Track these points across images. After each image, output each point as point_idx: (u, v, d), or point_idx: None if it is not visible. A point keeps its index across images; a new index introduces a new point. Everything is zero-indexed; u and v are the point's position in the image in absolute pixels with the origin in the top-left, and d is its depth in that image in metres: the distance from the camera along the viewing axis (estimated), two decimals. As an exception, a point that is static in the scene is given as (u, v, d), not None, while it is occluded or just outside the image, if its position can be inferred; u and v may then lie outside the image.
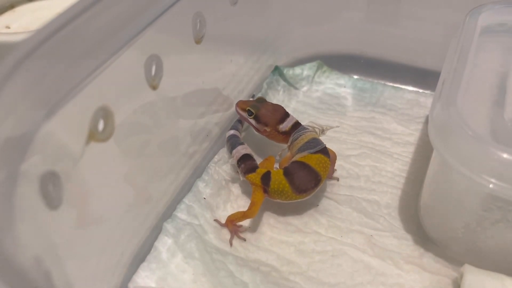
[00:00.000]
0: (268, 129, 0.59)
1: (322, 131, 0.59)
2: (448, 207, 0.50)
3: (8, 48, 0.34)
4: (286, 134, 0.59)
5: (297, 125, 0.59)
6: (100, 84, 0.39)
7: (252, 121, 0.60)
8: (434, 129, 0.46)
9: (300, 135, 0.58)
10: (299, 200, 0.55)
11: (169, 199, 0.55)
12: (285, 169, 0.55)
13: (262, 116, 0.59)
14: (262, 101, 0.61)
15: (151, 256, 0.50)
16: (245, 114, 0.60)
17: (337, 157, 0.60)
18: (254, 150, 0.61)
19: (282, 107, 0.61)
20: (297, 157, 0.56)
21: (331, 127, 0.61)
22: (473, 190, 0.46)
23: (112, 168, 0.45)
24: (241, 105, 0.61)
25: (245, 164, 0.57)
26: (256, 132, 0.62)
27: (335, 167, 0.61)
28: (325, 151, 0.56)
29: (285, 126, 0.59)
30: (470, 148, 0.42)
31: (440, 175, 0.50)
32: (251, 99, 0.68)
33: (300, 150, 0.56)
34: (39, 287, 0.28)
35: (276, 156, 0.60)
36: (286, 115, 0.60)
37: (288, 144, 0.59)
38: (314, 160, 0.54)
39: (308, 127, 0.59)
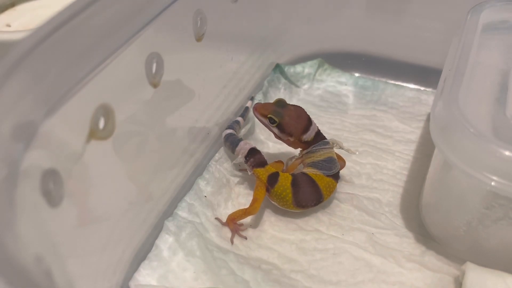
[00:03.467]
0: (292, 139, 0.56)
1: (340, 148, 0.58)
2: (450, 205, 0.50)
3: (8, 46, 0.34)
4: (307, 143, 0.56)
5: (319, 134, 0.57)
6: (100, 82, 0.39)
7: (275, 130, 0.56)
8: (435, 126, 0.46)
9: (319, 151, 0.56)
10: (293, 211, 0.55)
11: (170, 197, 0.55)
12: (294, 178, 0.54)
13: (286, 126, 0.55)
14: (283, 104, 0.56)
15: (152, 254, 0.50)
16: (266, 121, 0.55)
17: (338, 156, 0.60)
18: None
19: (304, 110, 0.57)
20: (310, 171, 0.55)
21: (352, 151, 0.59)
22: (474, 187, 0.46)
23: (112, 166, 0.45)
24: (261, 110, 0.55)
25: (254, 158, 0.56)
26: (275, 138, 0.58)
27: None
28: (336, 175, 0.56)
29: (309, 136, 0.56)
30: (472, 145, 0.42)
31: (442, 173, 0.50)
32: (249, 101, 0.68)
33: (315, 166, 0.55)
34: (40, 285, 0.28)
35: (288, 158, 0.59)
36: (309, 122, 0.56)
37: (304, 152, 0.57)
38: (324, 182, 0.54)
39: (328, 142, 0.57)
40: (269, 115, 0.55)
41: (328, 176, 0.55)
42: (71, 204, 0.38)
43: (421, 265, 0.51)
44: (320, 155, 0.56)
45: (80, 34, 0.38)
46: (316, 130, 0.57)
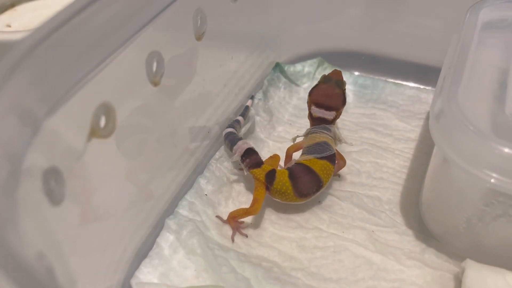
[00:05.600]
0: (308, 99, 0.61)
1: (339, 140, 0.59)
2: (450, 202, 0.50)
3: (9, 46, 0.34)
4: (312, 119, 0.60)
5: (323, 120, 0.59)
6: (101, 81, 0.39)
7: (314, 83, 0.62)
8: (435, 124, 0.46)
9: (316, 132, 0.58)
10: (298, 203, 0.56)
11: (170, 195, 0.56)
12: (290, 171, 0.55)
13: (315, 89, 0.61)
14: (340, 84, 0.61)
15: (153, 252, 0.51)
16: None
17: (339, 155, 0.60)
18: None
19: (340, 99, 0.60)
20: (303, 159, 0.56)
21: (347, 143, 0.60)
22: (474, 185, 0.46)
23: (114, 165, 0.45)
24: (333, 73, 0.63)
25: (250, 158, 0.57)
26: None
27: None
28: (331, 158, 0.56)
29: (315, 112, 0.59)
30: (471, 143, 0.42)
31: (441, 171, 0.50)
32: (249, 100, 0.68)
33: (308, 151, 0.56)
34: (42, 283, 0.28)
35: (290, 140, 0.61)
36: (327, 108, 0.59)
37: (305, 133, 0.59)
38: (319, 166, 0.55)
39: (330, 130, 0.58)
40: (325, 74, 0.63)
41: (321, 158, 0.55)
42: (72, 202, 0.38)
43: (421, 262, 0.51)
44: (314, 137, 0.57)
45: (80, 33, 0.38)
46: (323, 116, 0.58)
